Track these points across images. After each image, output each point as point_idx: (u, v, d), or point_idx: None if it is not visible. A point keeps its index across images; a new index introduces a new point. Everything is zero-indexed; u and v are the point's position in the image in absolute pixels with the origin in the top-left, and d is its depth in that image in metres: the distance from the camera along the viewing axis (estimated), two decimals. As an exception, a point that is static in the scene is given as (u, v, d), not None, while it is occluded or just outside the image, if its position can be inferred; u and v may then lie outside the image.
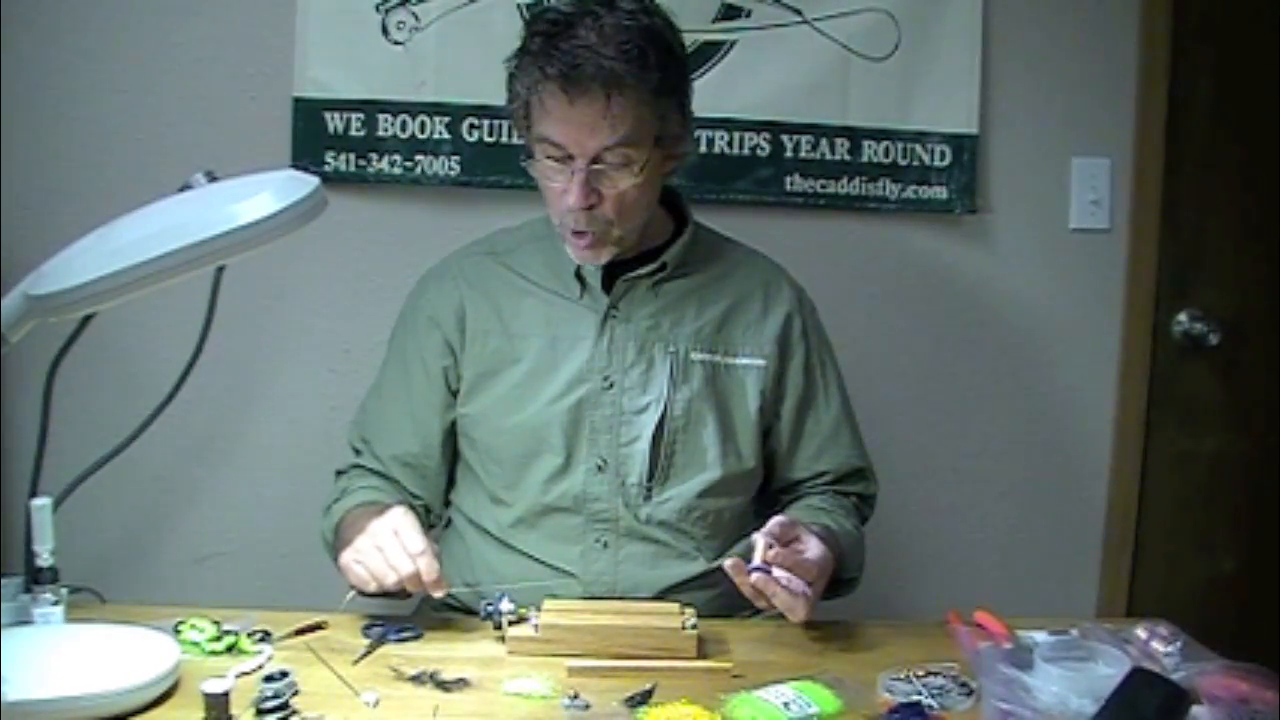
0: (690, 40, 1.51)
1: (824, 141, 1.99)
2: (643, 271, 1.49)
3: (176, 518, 2.00)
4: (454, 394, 1.53)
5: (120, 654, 1.15)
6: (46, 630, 1.22)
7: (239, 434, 2.00)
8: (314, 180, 1.05)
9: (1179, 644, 1.28)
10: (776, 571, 1.26)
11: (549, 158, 1.39)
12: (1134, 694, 1.10)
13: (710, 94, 1.83)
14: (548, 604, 1.32)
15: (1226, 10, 2.08)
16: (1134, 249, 2.10)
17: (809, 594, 1.28)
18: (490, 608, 1.31)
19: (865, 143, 2.00)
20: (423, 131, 1.93)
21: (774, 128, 1.98)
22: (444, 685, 1.18)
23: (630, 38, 1.34)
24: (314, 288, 1.98)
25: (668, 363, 1.48)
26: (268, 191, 1.00)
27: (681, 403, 1.48)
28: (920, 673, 1.22)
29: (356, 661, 1.24)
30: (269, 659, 1.23)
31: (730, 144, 1.97)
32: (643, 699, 1.15)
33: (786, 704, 1.13)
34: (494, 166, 1.93)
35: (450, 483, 1.59)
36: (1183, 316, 2.14)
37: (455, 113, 1.92)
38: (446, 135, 1.93)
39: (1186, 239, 2.12)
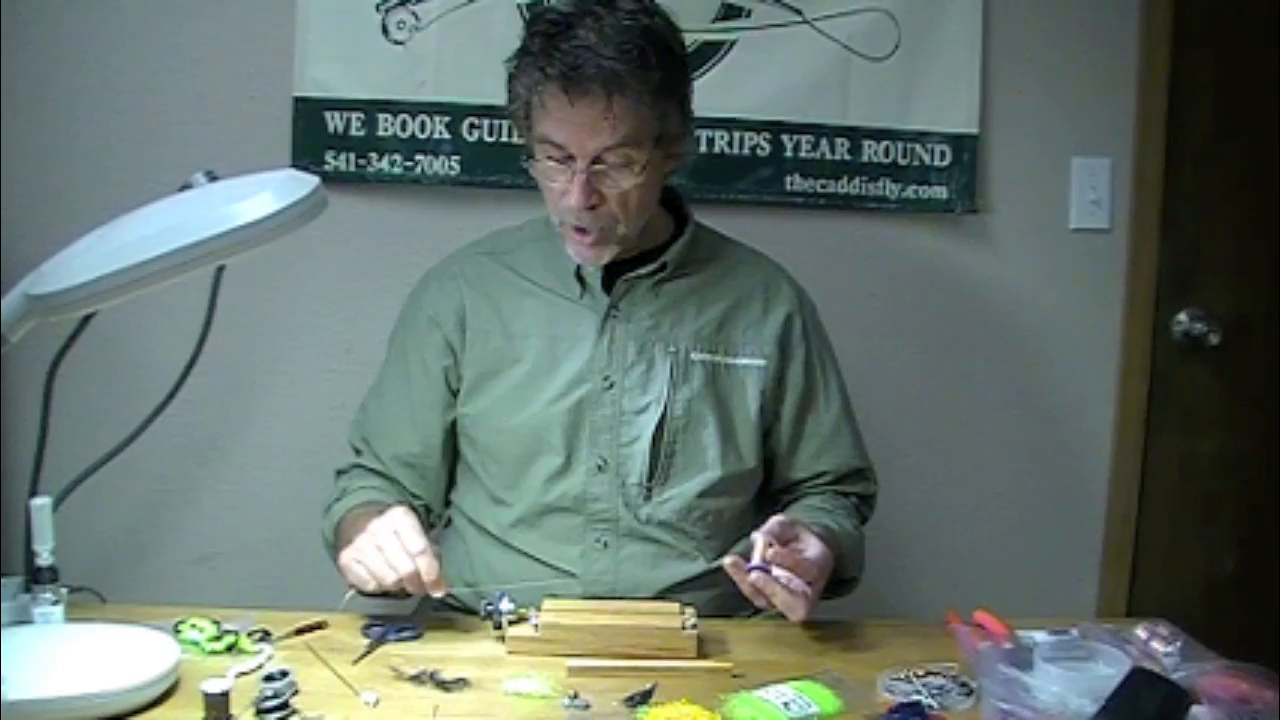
0: (690, 40, 1.51)
1: (824, 141, 1.99)
2: (643, 271, 1.49)
3: (176, 518, 2.01)
4: (454, 394, 1.53)
5: (120, 654, 1.15)
6: (46, 630, 1.22)
7: (239, 434, 2.00)
8: (314, 180, 1.05)
9: (1179, 644, 1.28)
10: (776, 571, 1.26)
11: (549, 158, 1.39)
12: (1134, 694, 1.10)
13: (710, 94, 1.83)
14: (548, 604, 1.32)
15: (1226, 10, 2.08)
16: (1134, 249, 2.10)
17: (809, 593, 1.28)
18: (490, 607, 1.31)
19: (865, 142, 2.00)
20: (423, 131, 1.93)
21: (774, 127, 1.98)
22: (444, 685, 1.18)
23: (630, 38, 1.34)
24: (314, 287, 1.98)
25: (668, 363, 1.48)
26: (268, 191, 1.00)
27: (682, 403, 1.48)
28: (920, 672, 1.22)
29: (356, 661, 1.24)
30: (269, 659, 1.23)
31: (730, 144, 1.97)
32: (643, 699, 1.15)
33: (787, 704, 1.13)
34: (494, 166, 1.93)
35: (450, 482, 1.59)
36: (1183, 316, 2.14)
37: (455, 112, 1.92)
38: (446, 135, 1.93)
39: (1186, 239, 2.12)
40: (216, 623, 1.27)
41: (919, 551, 2.11)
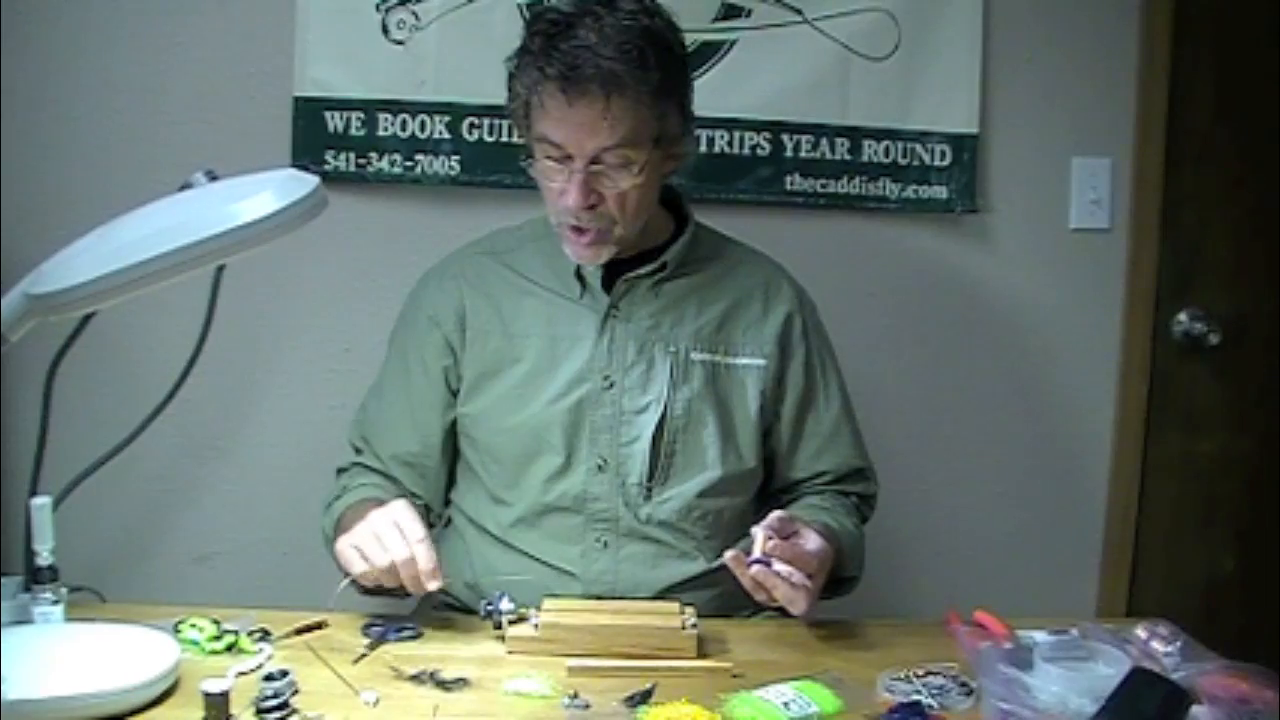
0: (690, 40, 1.51)
1: (824, 141, 1.99)
2: (643, 271, 1.49)
3: (176, 517, 2.01)
4: (454, 394, 1.53)
5: (120, 653, 1.15)
6: (46, 629, 1.22)
7: (239, 434, 2.00)
8: (314, 179, 1.05)
9: (1179, 644, 1.28)
10: (777, 565, 1.26)
11: (548, 158, 1.39)
12: (1134, 694, 1.10)
13: (710, 94, 1.83)
14: (547, 603, 1.32)
15: (1226, 10, 2.08)
16: (1134, 249, 2.10)
17: (809, 586, 1.28)
18: (490, 607, 1.31)
19: (865, 142, 2.00)
20: (423, 131, 1.93)
21: (774, 127, 1.98)
22: (444, 684, 1.18)
23: (630, 38, 1.34)
24: (314, 287, 1.98)
25: (668, 362, 1.48)
26: (268, 191, 1.00)
27: (682, 402, 1.48)
28: (920, 672, 1.22)
29: (356, 661, 1.24)
30: (269, 658, 1.23)
31: (730, 144, 1.97)
32: (643, 698, 1.15)
33: (786, 704, 1.13)
34: (494, 166, 1.93)
35: (450, 482, 1.59)
36: (1183, 316, 2.14)
37: (455, 112, 1.92)
38: (446, 135, 1.93)
39: (1187, 239, 2.12)
40: (216, 622, 1.27)
41: (919, 551, 2.11)
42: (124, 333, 1.84)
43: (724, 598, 1.48)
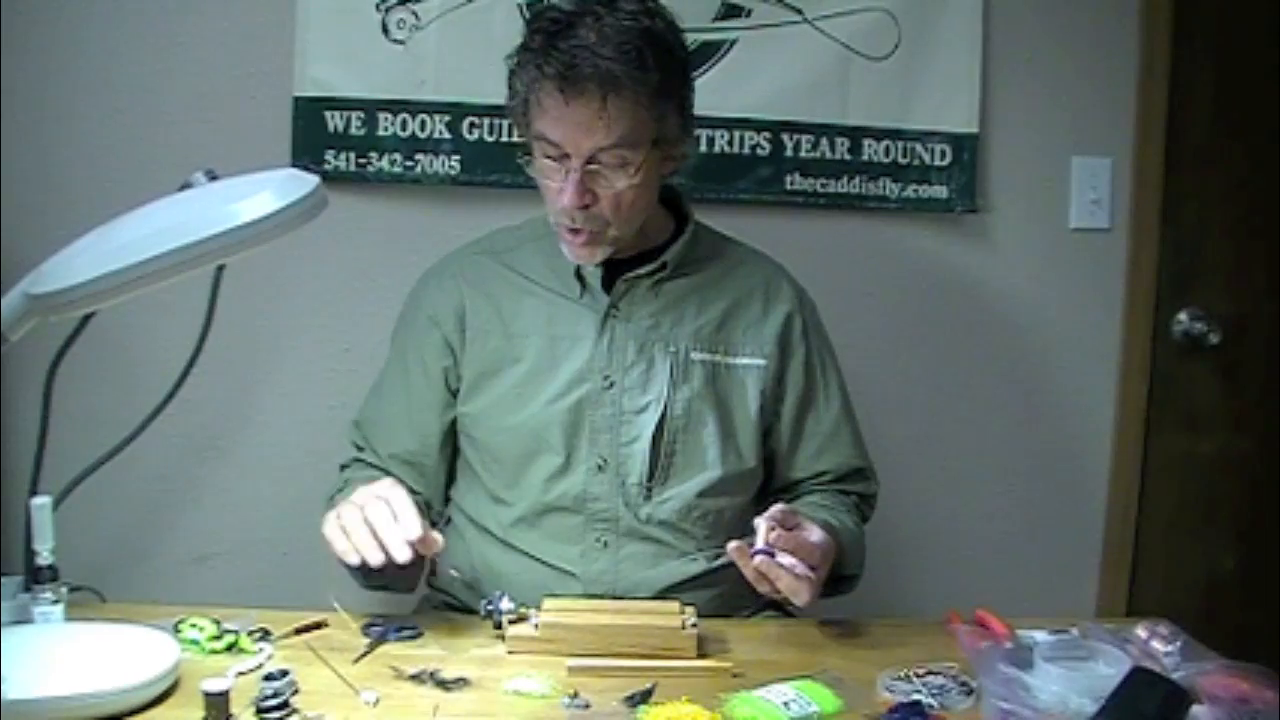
0: (691, 39, 1.51)
1: (824, 141, 1.99)
2: (643, 271, 1.49)
3: (176, 517, 2.00)
4: (453, 394, 1.54)
5: (120, 653, 1.15)
6: (46, 629, 1.22)
7: (239, 434, 2.00)
8: (314, 179, 1.05)
9: (1179, 643, 1.28)
10: (780, 556, 1.26)
11: (546, 156, 1.39)
12: (1134, 693, 1.10)
13: (710, 93, 1.83)
14: (548, 603, 1.32)
15: (1227, 10, 2.08)
16: (1134, 248, 2.10)
17: (812, 578, 1.28)
18: (490, 607, 1.31)
19: (865, 142, 2.00)
20: (423, 130, 1.93)
21: (774, 127, 1.98)
22: (444, 684, 1.18)
23: (629, 38, 1.34)
24: (314, 287, 1.98)
25: (668, 362, 1.48)
26: (268, 190, 0.99)
27: (681, 402, 1.48)
28: (920, 672, 1.22)
29: (356, 660, 1.24)
30: (269, 658, 1.23)
31: (730, 143, 1.97)
32: (643, 698, 1.15)
33: (787, 703, 1.13)
34: (494, 165, 1.93)
35: (450, 480, 1.59)
36: (1183, 316, 2.14)
37: (455, 112, 1.92)
38: (446, 134, 1.93)
39: (1187, 239, 2.12)
40: (216, 622, 1.27)
41: (919, 551, 2.11)
42: (124, 333, 1.84)
43: (724, 598, 1.48)
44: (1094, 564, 2.18)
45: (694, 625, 1.28)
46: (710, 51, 1.94)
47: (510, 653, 1.27)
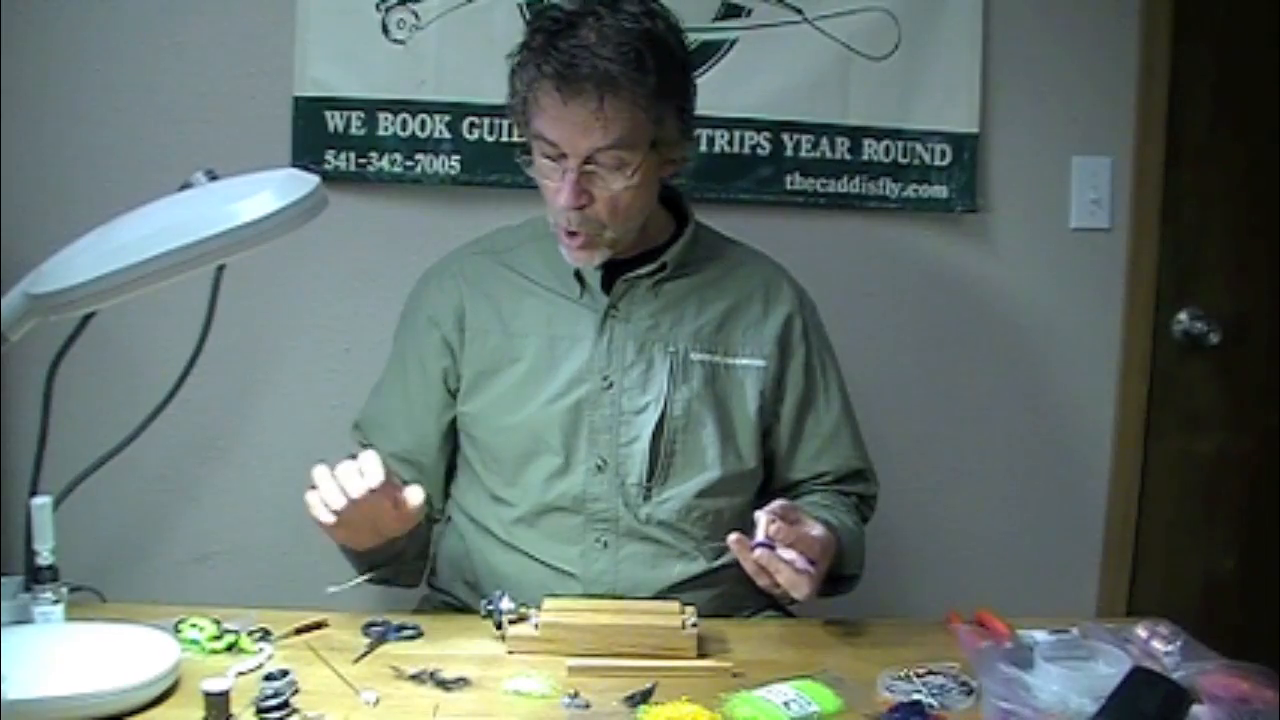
0: (691, 39, 1.51)
1: (824, 140, 1.99)
2: (643, 271, 1.49)
3: (176, 517, 2.00)
4: (452, 395, 1.54)
5: (120, 653, 1.15)
6: (46, 629, 1.22)
7: (239, 434, 2.00)
8: (314, 179, 1.05)
9: (1179, 643, 1.28)
10: (780, 550, 1.26)
11: (544, 156, 1.39)
12: (1134, 693, 1.10)
13: (711, 93, 1.82)
14: (548, 603, 1.32)
15: (1226, 10, 2.08)
16: (1134, 248, 2.10)
17: (812, 572, 1.28)
18: (490, 607, 1.31)
19: (866, 141, 2.00)
20: (423, 130, 1.93)
21: (774, 127, 1.98)
22: (444, 684, 1.18)
23: (629, 40, 1.34)
24: (314, 287, 1.97)
25: (667, 363, 1.48)
26: (268, 190, 0.99)
27: (681, 403, 1.48)
28: (921, 672, 1.22)
29: (357, 660, 1.24)
30: (269, 658, 1.23)
31: (731, 143, 1.97)
32: (643, 698, 1.15)
33: (787, 703, 1.13)
34: (494, 165, 1.93)
35: (449, 477, 1.60)
36: (1183, 316, 2.14)
37: (455, 111, 1.92)
38: (447, 134, 1.93)
39: (1187, 238, 2.12)
40: (217, 622, 1.28)
41: (919, 551, 2.11)
42: (124, 333, 1.84)
43: (724, 598, 1.48)
44: (1094, 564, 2.17)
45: (694, 625, 1.28)
46: (710, 51, 1.94)
47: (510, 653, 1.27)
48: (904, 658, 1.26)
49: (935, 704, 1.16)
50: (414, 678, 1.19)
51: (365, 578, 1.41)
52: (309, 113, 1.91)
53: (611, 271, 1.48)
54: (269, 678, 1.12)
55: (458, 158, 1.94)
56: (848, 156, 2.00)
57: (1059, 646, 1.24)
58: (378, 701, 1.14)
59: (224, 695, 1.07)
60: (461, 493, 1.58)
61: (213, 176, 1.09)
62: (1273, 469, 2.19)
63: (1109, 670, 1.17)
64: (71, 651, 1.16)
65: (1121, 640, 1.27)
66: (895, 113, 2.00)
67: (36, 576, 1.23)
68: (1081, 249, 2.10)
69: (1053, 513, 2.16)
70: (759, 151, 1.98)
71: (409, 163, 1.93)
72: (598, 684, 1.19)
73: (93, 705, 1.07)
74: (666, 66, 1.37)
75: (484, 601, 1.34)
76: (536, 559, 1.48)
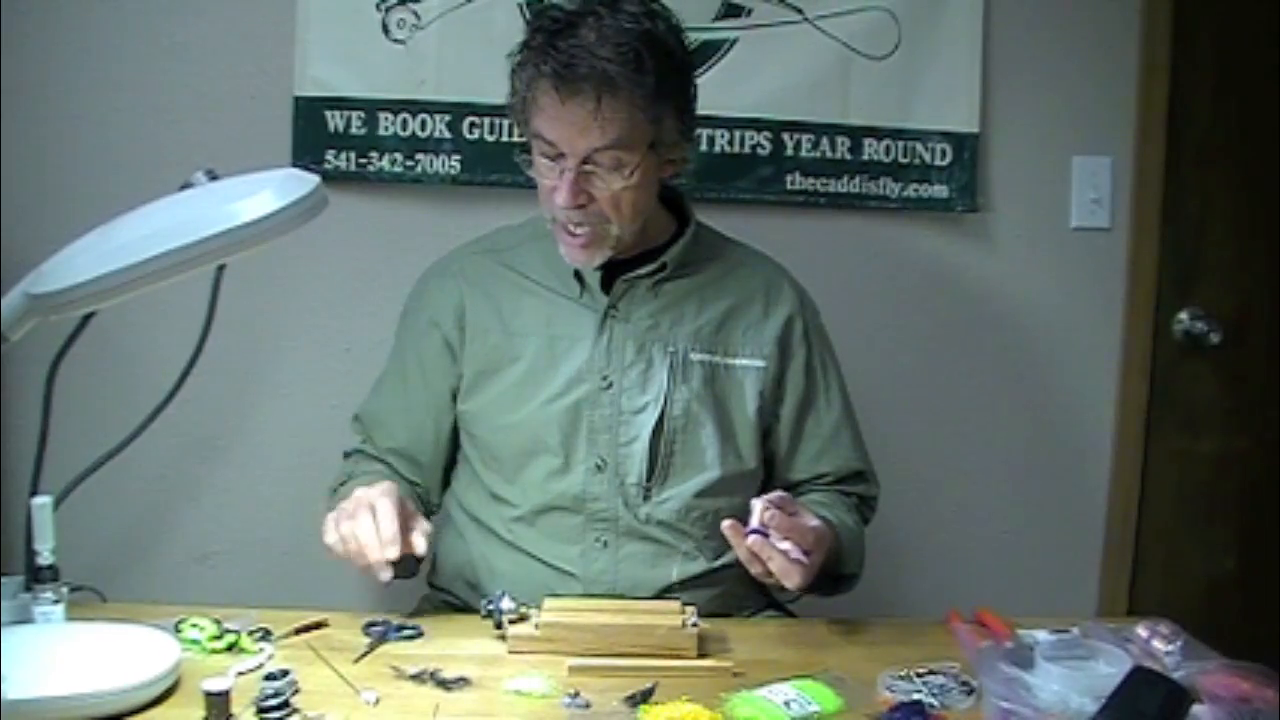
0: (691, 39, 1.51)
1: (825, 140, 1.99)
2: (643, 271, 1.49)
3: (176, 517, 2.00)
4: (452, 394, 1.54)
5: (121, 652, 1.15)
6: (47, 629, 1.22)
7: (239, 433, 2.00)
8: (314, 179, 1.05)
9: (1180, 643, 1.28)
10: (775, 539, 1.26)
11: (544, 155, 1.39)
12: (1135, 693, 1.10)
13: (711, 92, 1.82)
14: (548, 603, 1.32)
15: (1226, 10, 2.08)
16: (1135, 248, 2.10)
17: (806, 562, 1.27)
18: (491, 606, 1.31)
19: (866, 141, 2.00)
20: (423, 130, 1.93)
21: (775, 126, 1.98)
22: (444, 684, 1.18)
23: (628, 40, 1.34)
24: (314, 286, 1.98)
25: (667, 362, 1.48)
26: (268, 190, 1.00)
27: (680, 403, 1.48)
28: (921, 671, 1.22)
29: (357, 660, 1.24)
30: (269, 657, 1.23)
31: (731, 143, 1.97)
32: (643, 697, 1.15)
33: (787, 702, 1.13)
34: (494, 165, 1.93)
35: (448, 471, 1.60)
36: (1183, 315, 2.14)
37: (456, 111, 1.92)
38: (447, 134, 1.93)
39: (1187, 238, 2.12)
40: (217, 621, 1.28)
41: (919, 551, 2.11)
42: (124, 333, 1.84)
43: (724, 597, 1.48)
44: (1094, 563, 2.18)
45: (694, 625, 1.28)
46: (710, 51, 1.94)
47: (511, 652, 1.27)
48: (904, 657, 1.26)
49: (936, 704, 1.16)
50: (414, 677, 1.19)
51: None
52: (309, 112, 1.91)
53: (611, 271, 1.48)
54: (269, 677, 1.12)
55: (458, 157, 1.94)
56: (848, 156, 2.00)
57: (1059, 646, 1.24)
58: (378, 701, 1.14)
59: (224, 695, 1.07)
60: (462, 491, 1.58)
61: (213, 176, 1.09)
62: (1273, 469, 2.19)
63: (1109, 670, 1.17)
64: (72, 651, 1.16)
65: (1122, 640, 1.27)
66: (896, 112, 2.00)
67: (37, 576, 1.23)
68: (1082, 249, 2.10)
69: (1053, 512, 2.16)
70: (759, 151, 1.98)
71: (409, 163, 1.93)
72: (598, 684, 1.19)
73: (93, 705, 1.07)
74: (665, 67, 1.37)
75: (484, 601, 1.34)
76: (537, 558, 1.48)
